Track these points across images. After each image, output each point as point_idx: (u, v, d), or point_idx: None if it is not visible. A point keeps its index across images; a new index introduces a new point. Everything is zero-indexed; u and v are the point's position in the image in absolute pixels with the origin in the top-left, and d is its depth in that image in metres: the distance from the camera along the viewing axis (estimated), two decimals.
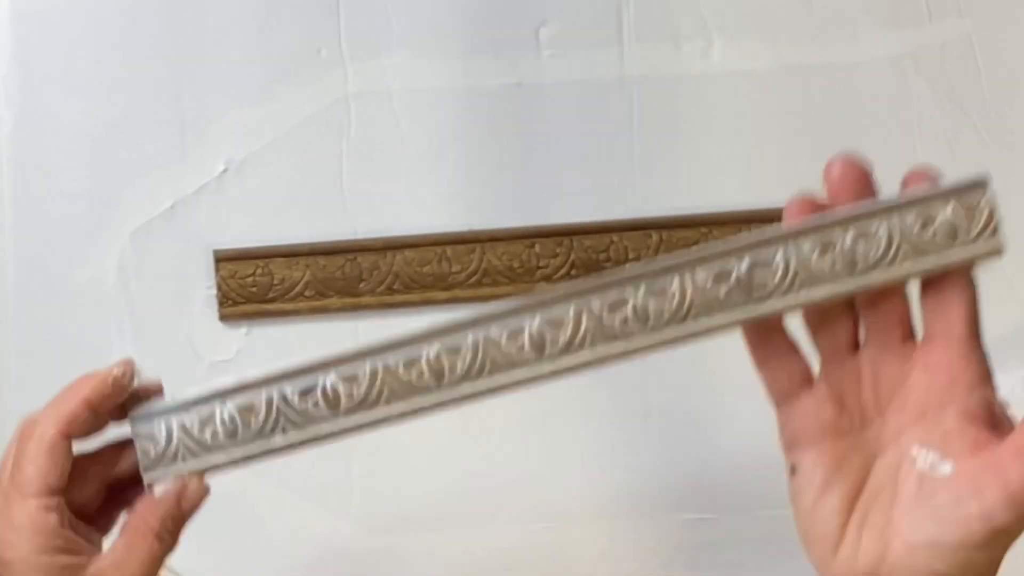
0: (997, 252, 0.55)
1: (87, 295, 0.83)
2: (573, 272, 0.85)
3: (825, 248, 0.52)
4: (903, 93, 0.90)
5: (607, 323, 0.51)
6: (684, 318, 0.51)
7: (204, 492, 0.66)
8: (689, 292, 0.51)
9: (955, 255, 0.54)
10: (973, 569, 0.50)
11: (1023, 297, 0.90)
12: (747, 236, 0.50)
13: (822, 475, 0.52)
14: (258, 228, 0.85)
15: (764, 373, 0.53)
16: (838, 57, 0.89)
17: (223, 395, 0.56)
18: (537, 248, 0.85)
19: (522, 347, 0.52)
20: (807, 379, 0.52)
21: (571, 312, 0.50)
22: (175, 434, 0.59)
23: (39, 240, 0.82)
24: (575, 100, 0.87)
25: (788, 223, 0.51)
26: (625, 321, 0.51)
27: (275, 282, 0.83)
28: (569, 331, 0.51)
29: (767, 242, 0.50)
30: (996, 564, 0.51)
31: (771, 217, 0.86)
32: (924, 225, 0.55)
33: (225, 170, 0.84)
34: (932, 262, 0.53)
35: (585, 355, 0.51)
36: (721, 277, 0.51)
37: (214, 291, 0.84)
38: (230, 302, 0.82)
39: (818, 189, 0.89)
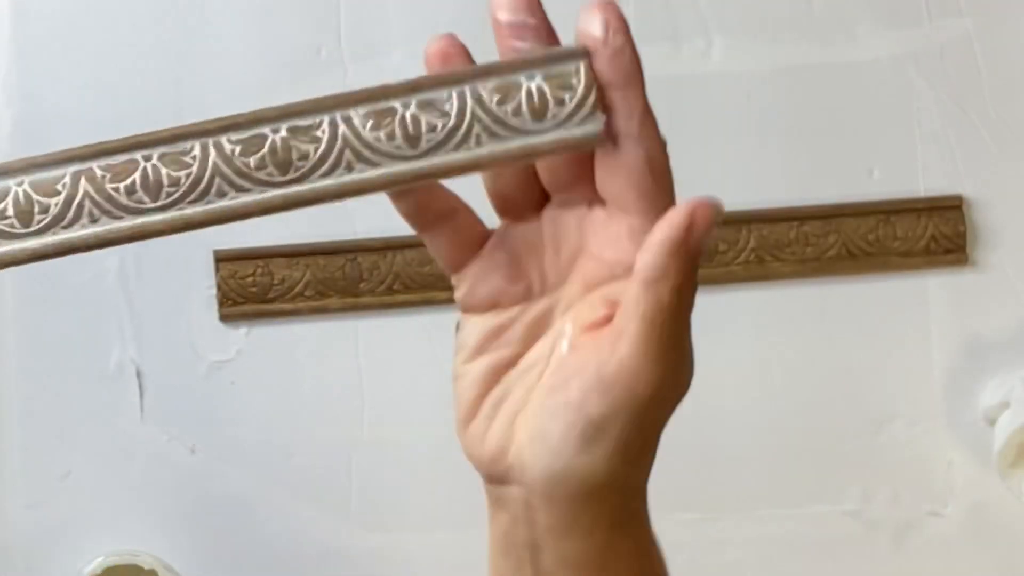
0: (593, 137, 0.42)
1: (87, 295, 0.83)
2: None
3: (379, 123, 0.43)
4: (903, 93, 0.90)
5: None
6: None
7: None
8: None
9: (543, 138, 0.43)
10: (590, 475, 0.43)
11: (1023, 297, 0.90)
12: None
13: (476, 340, 0.45)
14: (258, 228, 0.85)
15: (426, 239, 0.45)
16: (838, 57, 0.89)
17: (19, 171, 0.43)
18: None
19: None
20: (478, 243, 0.46)
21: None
22: None
23: None
24: None
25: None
26: None
27: (275, 282, 0.83)
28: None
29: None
30: (615, 474, 0.44)
31: (764, 218, 0.86)
32: (503, 100, 0.43)
33: None
34: (515, 146, 0.43)
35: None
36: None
37: (214, 291, 0.84)
38: (230, 302, 0.82)
39: (817, 190, 0.89)
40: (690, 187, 0.91)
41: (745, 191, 0.88)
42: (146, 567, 0.81)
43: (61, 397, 0.82)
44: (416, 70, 0.89)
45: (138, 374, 0.83)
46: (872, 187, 0.89)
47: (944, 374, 0.89)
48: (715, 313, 0.88)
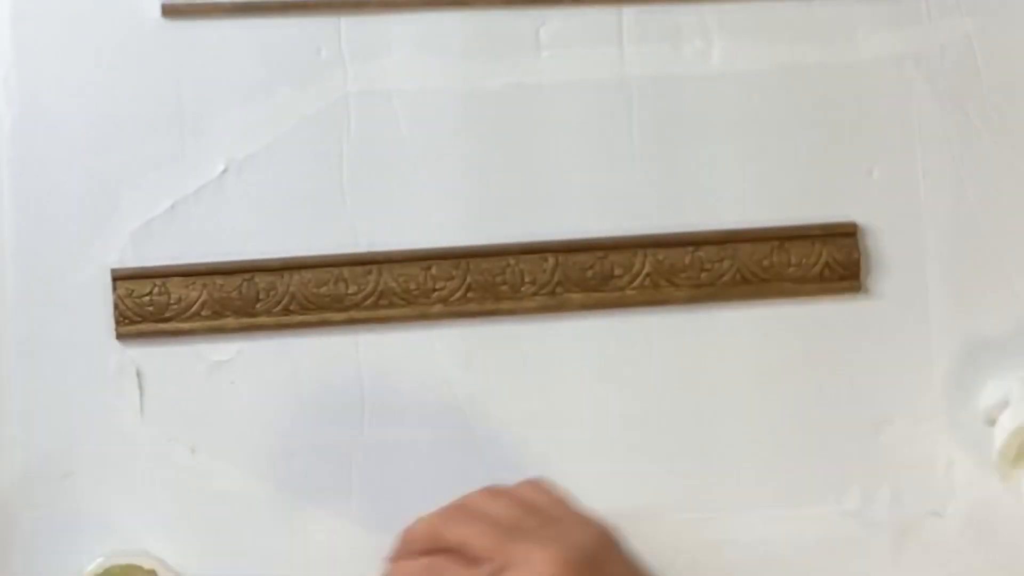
0: None
1: (87, 295, 0.83)
2: (470, 295, 0.86)
3: None
4: (903, 93, 0.90)
5: None
6: None
7: None
8: None
9: None
10: None
11: (1023, 297, 0.90)
12: None
13: None
14: (258, 228, 0.85)
15: None
16: (838, 57, 0.89)
17: None
18: (433, 270, 0.85)
19: None
20: None
21: None
22: None
23: (39, 240, 0.82)
24: (575, 100, 0.87)
25: None
26: None
27: (171, 301, 0.83)
28: None
29: None
30: None
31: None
32: None
33: (225, 170, 0.84)
34: None
35: None
36: None
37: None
38: (127, 321, 0.82)
39: (817, 188, 0.89)
40: (691, 187, 0.92)
41: (745, 190, 0.88)
42: (146, 567, 0.81)
43: (61, 397, 0.82)
44: (416, 70, 0.89)
45: (138, 374, 0.83)
46: (872, 187, 0.89)
47: (944, 374, 0.89)
48: (717, 322, 0.88)
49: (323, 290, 0.84)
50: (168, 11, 0.84)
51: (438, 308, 0.85)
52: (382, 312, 0.85)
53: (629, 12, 0.88)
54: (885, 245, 0.89)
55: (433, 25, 0.86)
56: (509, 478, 0.86)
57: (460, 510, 0.69)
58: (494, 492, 0.71)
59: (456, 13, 0.86)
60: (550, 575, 0.63)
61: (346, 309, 0.84)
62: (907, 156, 0.90)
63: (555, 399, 0.86)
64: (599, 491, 0.87)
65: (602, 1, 0.87)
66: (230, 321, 0.84)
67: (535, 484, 0.72)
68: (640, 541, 0.87)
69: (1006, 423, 0.86)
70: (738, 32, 0.88)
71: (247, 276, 0.84)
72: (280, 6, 0.85)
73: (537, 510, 0.70)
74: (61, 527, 0.80)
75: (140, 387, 0.83)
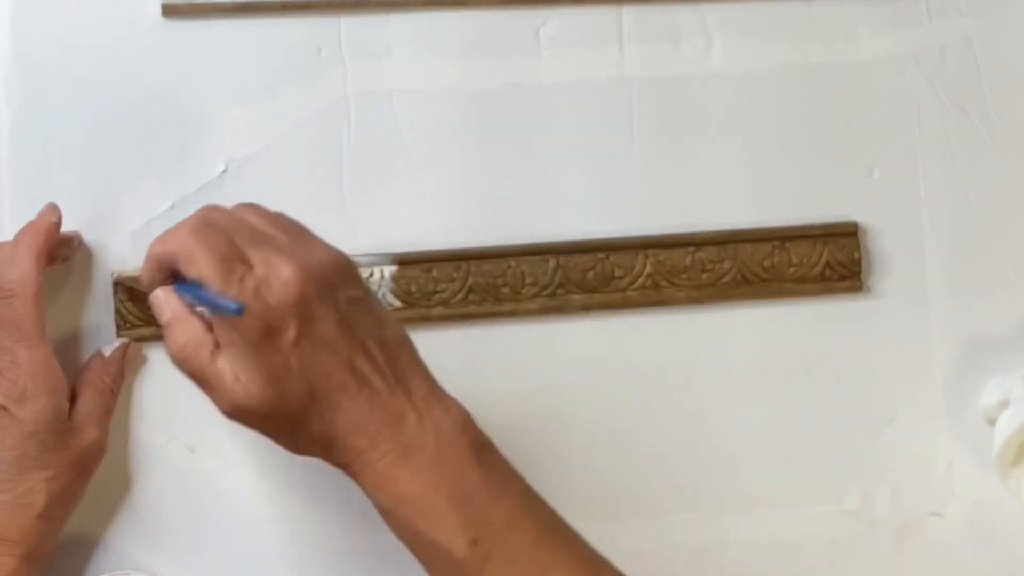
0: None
1: (87, 294, 0.83)
2: (470, 296, 0.86)
3: None
4: (903, 93, 0.90)
5: None
6: None
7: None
8: None
9: None
10: None
11: (1023, 297, 0.90)
12: None
13: None
14: None
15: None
16: (838, 57, 0.89)
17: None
18: (434, 272, 0.85)
19: None
20: None
21: None
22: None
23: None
24: (575, 100, 0.87)
25: None
26: None
27: None
28: None
29: None
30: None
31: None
32: None
33: (225, 170, 0.84)
34: None
35: None
36: None
37: None
38: (128, 325, 0.82)
39: (817, 188, 0.90)
40: (689, 187, 0.92)
41: (744, 190, 0.88)
42: None
43: None
44: (416, 70, 0.89)
45: (138, 374, 0.83)
46: (872, 187, 0.89)
47: (944, 374, 0.89)
48: (718, 323, 0.88)
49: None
50: (168, 11, 0.84)
51: (439, 310, 0.85)
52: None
53: (629, 12, 0.88)
54: (885, 245, 0.89)
55: (433, 25, 0.86)
56: None
57: (209, 223, 0.70)
58: (244, 204, 0.73)
59: (456, 13, 0.86)
60: (295, 289, 0.66)
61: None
62: (907, 156, 0.90)
63: (557, 401, 0.87)
64: (600, 491, 0.87)
65: (602, 1, 0.87)
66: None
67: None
68: (640, 541, 0.87)
69: (1006, 423, 0.86)
70: (738, 32, 0.88)
71: None
72: (280, 6, 0.85)
73: (284, 226, 0.71)
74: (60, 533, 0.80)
75: (140, 387, 0.83)
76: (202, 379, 0.68)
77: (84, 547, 0.82)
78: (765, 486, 0.88)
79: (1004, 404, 0.88)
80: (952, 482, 0.90)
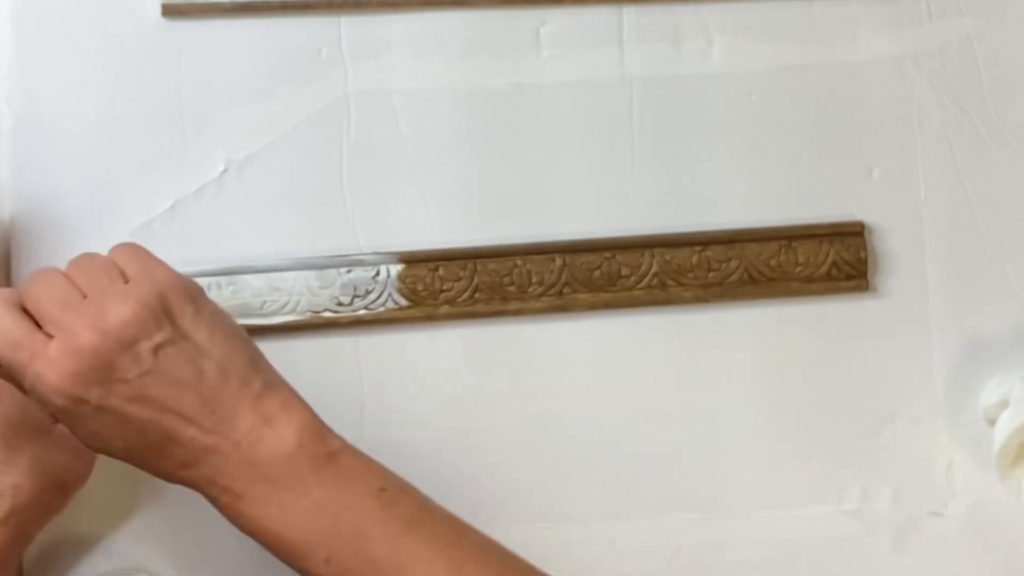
0: None
1: None
2: (477, 295, 0.86)
3: None
4: (903, 93, 0.90)
5: None
6: None
7: None
8: None
9: None
10: None
11: (1023, 297, 0.90)
12: None
13: None
14: (258, 228, 0.85)
15: None
16: (838, 57, 0.89)
17: None
18: (441, 271, 0.85)
19: None
20: None
21: None
22: None
23: (39, 240, 0.82)
24: (575, 100, 0.87)
25: None
26: None
27: None
28: None
29: None
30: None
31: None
32: None
33: (225, 170, 0.84)
34: None
35: None
36: None
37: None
38: None
39: (818, 188, 0.89)
40: (688, 187, 0.92)
41: (743, 190, 0.88)
42: None
43: None
44: (416, 70, 0.89)
45: None
46: (873, 187, 0.89)
47: (944, 374, 0.89)
48: (724, 322, 0.88)
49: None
50: (168, 11, 0.84)
51: (445, 309, 0.85)
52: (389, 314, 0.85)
53: (629, 12, 0.88)
54: (885, 245, 0.89)
55: (433, 25, 0.86)
56: (512, 479, 0.86)
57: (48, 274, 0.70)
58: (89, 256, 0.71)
59: (456, 13, 0.86)
60: (70, 368, 0.66)
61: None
62: (907, 156, 0.90)
63: (562, 399, 0.86)
64: (603, 490, 0.87)
65: (602, 1, 0.87)
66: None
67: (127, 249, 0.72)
68: (640, 541, 0.87)
69: (1006, 423, 0.86)
70: (738, 32, 0.88)
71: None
72: (280, 6, 0.85)
73: (87, 280, 0.69)
74: (61, 527, 0.80)
75: None
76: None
77: (84, 547, 0.82)
78: (765, 486, 0.88)
79: (1004, 404, 0.88)
80: (952, 482, 0.90)
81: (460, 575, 0.67)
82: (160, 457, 0.68)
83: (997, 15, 0.90)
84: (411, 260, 0.85)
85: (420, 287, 0.85)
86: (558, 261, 0.86)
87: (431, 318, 0.85)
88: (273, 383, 0.70)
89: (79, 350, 0.66)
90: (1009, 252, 0.90)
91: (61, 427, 0.74)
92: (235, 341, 0.70)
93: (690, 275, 0.87)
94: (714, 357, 0.88)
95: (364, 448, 0.85)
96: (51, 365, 0.65)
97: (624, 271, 0.87)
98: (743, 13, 0.88)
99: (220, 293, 0.83)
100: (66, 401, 0.66)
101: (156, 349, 0.67)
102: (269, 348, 0.84)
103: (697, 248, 0.87)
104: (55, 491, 0.74)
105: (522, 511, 0.87)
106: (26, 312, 0.67)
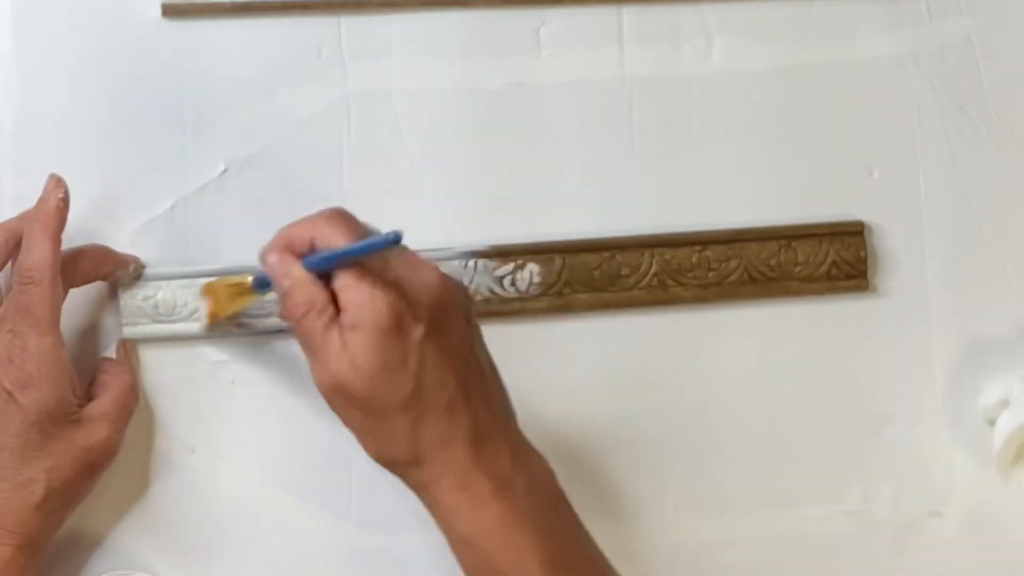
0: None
1: (87, 295, 0.83)
2: (477, 295, 0.85)
3: None
4: (903, 93, 0.90)
5: None
6: None
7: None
8: None
9: None
10: None
11: (1023, 297, 0.90)
12: None
13: None
14: (258, 228, 0.84)
15: None
16: (838, 57, 0.89)
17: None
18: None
19: None
20: None
21: None
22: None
23: None
24: (575, 100, 0.87)
25: None
26: None
27: (178, 303, 0.84)
28: None
29: None
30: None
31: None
32: None
33: (225, 170, 0.84)
34: None
35: None
36: None
37: None
38: (128, 324, 0.83)
39: (818, 188, 0.89)
40: (690, 186, 0.92)
41: (743, 191, 0.88)
42: None
43: None
44: (416, 70, 0.89)
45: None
46: (872, 187, 0.89)
47: (944, 374, 0.90)
48: (724, 321, 0.88)
49: None
50: (168, 11, 0.84)
51: None
52: None
53: (629, 12, 0.88)
54: (885, 245, 0.89)
55: (433, 25, 0.86)
56: None
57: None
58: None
59: (456, 13, 0.86)
60: (437, 290, 0.69)
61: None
62: (907, 156, 0.90)
63: (561, 399, 0.86)
64: (603, 490, 0.87)
65: (602, 1, 0.87)
66: (231, 322, 0.83)
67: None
68: (640, 541, 0.87)
69: (1006, 423, 0.87)
70: (738, 32, 0.88)
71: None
72: (280, 6, 0.85)
73: None
74: (62, 527, 0.80)
75: (140, 387, 0.83)
76: (310, 345, 0.68)
77: (85, 547, 0.82)
78: (765, 486, 0.88)
79: (1004, 404, 0.88)
80: (952, 482, 0.90)
81: None
82: (427, 419, 0.68)
83: (997, 15, 0.90)
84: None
85: None
86: (558, 261, 0.86)
87: None
88: None
89: (447, 279, 0.70)
90: (1009, 252, 0.90)
91: (90, 411, 0.77)
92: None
93: (690, 275, 0.87)
94: (714, 357, 0.88)
95: None
96: (422, 278, 0.69)
97: (624, 271, 0.87)
98: (743, 13, 0.88)
99: None
100: (425, 312, 0.68)
101: (473, 324, 0.72)
102: (269, 348, 0.84)
103: (697, 248, 0.87)
104: (86, 473, 0.77)
105: None
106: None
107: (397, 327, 0.66)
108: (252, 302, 0.81)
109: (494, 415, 0.70)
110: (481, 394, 0.70)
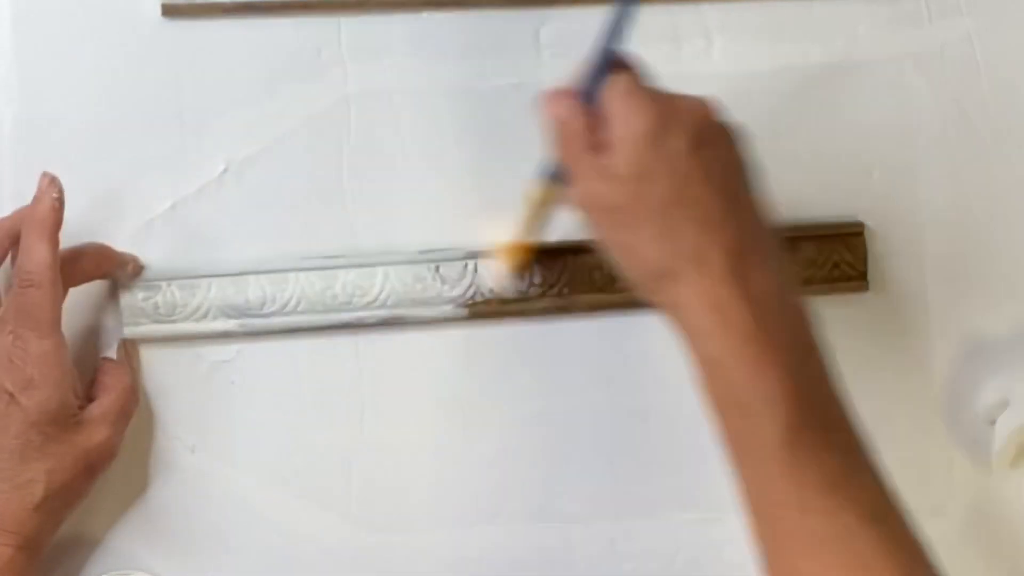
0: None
1: (87, 295, 0.83)
2: (477, 295, 0.85)
3: None
4: (903, 93, 0.90)
5: None
6: None
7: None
8: None
9: None
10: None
11: (1023, 297, 0.90)
12: None
13: None
14: (258, 228, 0.85)
15: None
16: (838, 57, 0.89)
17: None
18: (441, 271, 0.85)
19: None
20: None
21: None
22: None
23: None
24: None
25: None
26: None
27: (179, 303, 0.84)
28: None
29: None
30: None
31: None
32: None
33: (225, 170, 0.84)
34: None
35: None
36: None
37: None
38: (129, 324, 0.84)
39: (817, 188, 0.89)
40: None
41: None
42: None
43: None
44: (416, 70, 0.88)
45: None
46: (872, 187, 0.89)
47: (944, 374, 0.90)
48: None
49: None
50: (168, 11, 0.84)
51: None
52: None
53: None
54: (885, 245, 0.89)
55: (433, 25, 0.86)
56: (512, 479, 0.86)
57: None
58: None
59: (456, 13, 0.86)
60: (707, 109, 0.71)
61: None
62: (907, 156, 0.90)
63: (562, 399, 0.87)
64: (603, 490, 0.87)
65: (602, 1, 0.87)
66: (232, 322, 0.83)
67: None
68: (640, 541, 0.87)
69: (1006, 423, 0.87)
70: (738, 32, 0.88)
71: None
72: (280, 6, 0.84)
73: None
74: (62, 527, 0.80)
75: (141, 387, 0.83)
76: (571, 161, 0.72)
77: (84, 547, 0.82)
78: None
79: (1004, 404, 0.88)
80: (952, 482, 0.90)
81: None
82: (682, 225, 0.68)
83: (997, 15, 0.90)
84: (411, 260, 0.85)
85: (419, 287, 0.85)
86: (558, 261, 0.86)
87: (431, 318, 0.85)
88: None
89: (718, 107, 0.72)
90: (1009, 252, 0.90)
91: (90, 412, 0.77)
92: None
93: None
94: None
95: (363, 447, 0.85)
96: (691, 98, 0.71)
97: None
98: (743, 13, 0.88)
99: (220, 293, 0.83)
100: (691, 126, 0.69)
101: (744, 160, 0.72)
102: (269, 348, 0.84)
103: None
104: (85, 475, 0.77)
105: (522, 511, 0.87)
106: None
107: (661, 135, 0.68)
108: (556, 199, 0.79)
109: (757, 243, 0.68)
110: (741, 221, 0.68)
